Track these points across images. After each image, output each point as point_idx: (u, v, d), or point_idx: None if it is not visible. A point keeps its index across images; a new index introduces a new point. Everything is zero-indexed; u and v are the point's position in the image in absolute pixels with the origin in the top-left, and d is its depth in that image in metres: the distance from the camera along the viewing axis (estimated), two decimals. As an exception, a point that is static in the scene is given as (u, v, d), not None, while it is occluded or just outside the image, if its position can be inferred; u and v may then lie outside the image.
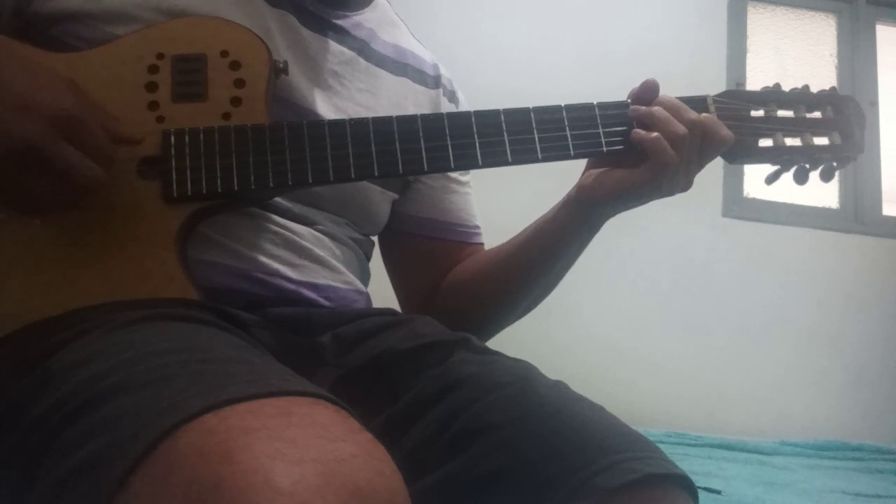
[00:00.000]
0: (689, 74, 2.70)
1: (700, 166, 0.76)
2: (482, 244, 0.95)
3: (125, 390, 0.47)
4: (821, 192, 2.85)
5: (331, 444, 0.41)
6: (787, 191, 2.80)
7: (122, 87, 0.67)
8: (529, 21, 2.70)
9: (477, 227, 0.95)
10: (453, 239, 0.92)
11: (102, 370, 0.50)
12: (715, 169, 2.73)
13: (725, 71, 2.77)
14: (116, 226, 0.65)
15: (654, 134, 0.73)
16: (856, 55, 2.90)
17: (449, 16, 2.59)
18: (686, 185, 0.76)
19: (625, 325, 2.53)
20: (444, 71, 0.94)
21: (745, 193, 2.78)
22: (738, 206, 2.74)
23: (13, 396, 0.55)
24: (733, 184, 2.74)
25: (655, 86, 0.77)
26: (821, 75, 2.91)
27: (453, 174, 0.93)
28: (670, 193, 0.75)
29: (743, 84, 2.78)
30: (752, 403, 2.56)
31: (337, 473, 0.39)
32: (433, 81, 0.91)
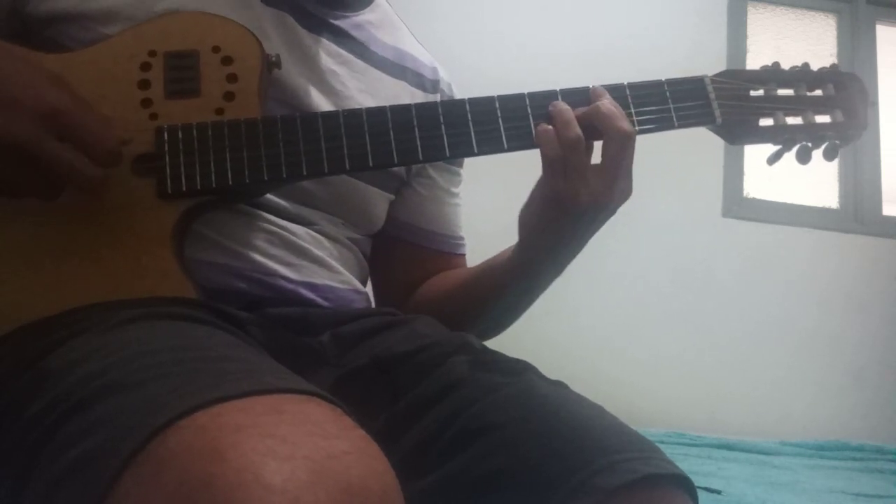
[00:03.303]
0: (689, 74, 2.70)
1: (616, 165, 0.69)
2: (464, 255, 0.95)
3: (119, 389, 0.47)
4: (821, 192, 2.85)
5: (323, 441, 0.41)
6: (787, 191, 2.80)
7: (114, 85, 0.67)
8: (529, 22, 2.70)
9: (461, 238, 0.95)
10: (435, 247, 0.92)
11: (97, 369, 0.50)
12: (715, 169, 2.75)
13: (725, 71, 2.76)
14: (112, 223, 0.65)
15: (547, 127, 0.69)
16: (856, 55, 2.90)
17: (448, 14, 2.59)
18: (598, 196, 0.69)
19: (625, 325, 2.53)
20: (443, 74, 0.93)
21: (745, 193, 2.78)
22: (738, 206, 2.74)
23: (10, 397, 0.55)
24: (733, 184, 2.74)
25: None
26: (821, 75, 2.91)
27: (446, 185, 0.93)
28: (575, 200, 0.69)
29: (743, 84, 2.78)
30: (753, 403, 2.55)
31: (329, 470, 0.39)
32: (431, 85, 0.91)
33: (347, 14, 0.84)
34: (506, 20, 2.69)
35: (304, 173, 0.68)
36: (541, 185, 0.72)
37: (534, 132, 0.71)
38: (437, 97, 0.91)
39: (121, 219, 0.65)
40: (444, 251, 0.93)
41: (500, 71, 2.50)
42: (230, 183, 0.66)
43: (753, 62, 2.83)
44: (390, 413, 0.67)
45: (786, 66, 0.80)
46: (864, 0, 2.95)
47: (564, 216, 0.71)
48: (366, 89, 0.82)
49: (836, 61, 2.96)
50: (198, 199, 0.67)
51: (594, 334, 2.49)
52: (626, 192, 0.71)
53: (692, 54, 2.69)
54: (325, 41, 0.80)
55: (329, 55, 0.80)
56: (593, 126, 0.70)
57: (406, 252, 0.91)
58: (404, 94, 0.87)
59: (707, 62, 2.74)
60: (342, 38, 0.82)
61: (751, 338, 2.62)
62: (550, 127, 0.70)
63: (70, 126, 0.59)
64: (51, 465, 0.46)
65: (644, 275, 2.60)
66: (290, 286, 0.74)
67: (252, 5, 0.76)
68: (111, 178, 0.64)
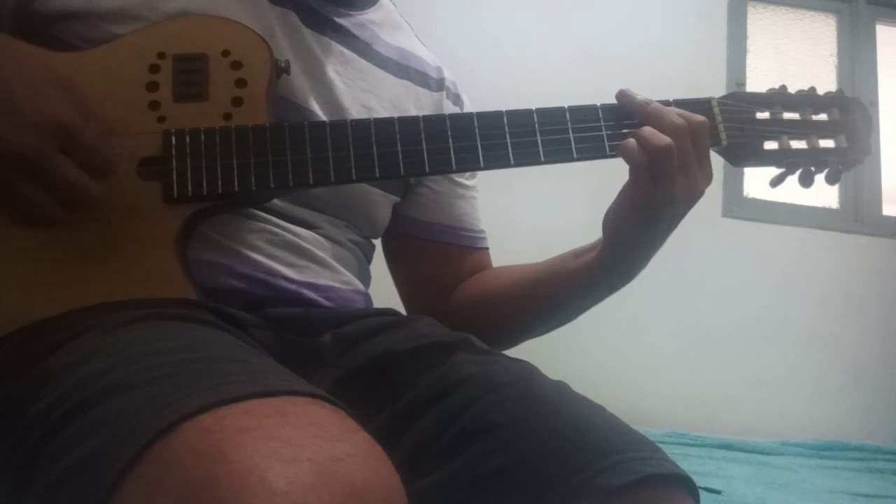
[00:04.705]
0: (689, 74, 2.70)
1: (697, 165, 0.72)
2: (487, 249, 0.95)
3: (121, 390, 0.47)
4: (821, 192, 2.85)
5: (327, 444, 0.41)
6: (787, 191, 2.80)
7: (123, 86, 0.67)
8: (529, 21, 2.70)
9: (482, 231, 0.95)
10: (459, 244, 0.92)
11: (99, 370, 0.50)
12: (715, 169, 2.74)
13: (725, 71, 2.76)
14: (117, 226, 0.65)
15: (628, 140, 0.71)
16: (856, 55, 2.90)
17: (449, 16, 2.59)
18: (689, 190, 0.71)
19: (625, 325, 2.53)
20: (447, 74, 0.93)
21: (745, 193, 2.78)
22: (738, 206, 2.73)
23: (12, 396, 0.55)
24: (733, 184, 2.74)
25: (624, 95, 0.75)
26: (821, 75, 2.91)
27: (460, 179, 0.92)
28: (671, 202, 0.71)
29: (743, 84, 2.77)
30: (753, 403, 2.55)
31: (333, 473, 0.39)
32: (436, 84, 0.91)
33: (352, 13, 0.84)
34: (505, 21, 2.69)
35: (311, 182, 0.68)
36: (630, 192, 0.72)
37: (541, 150, 0.71)
38: (443, 95, 0.91)
39: (125, 221, 0.65)
40: (469, 246, 0.92)
41: (499, 73, 2.50)
42: (236, 189, 0.66)
43: (753, 62, 2.84)
44: (391, 413, 0.67)
45: (788, 86, 0.80)
46: (864, 0, 2.95)
47: (657, 217, 0.72)
48: (369, 89, 0.82)
49: (836, 62, 2.97)
50: (203, 205, 0.67)
51: (594, 334, 2.48)
52: (709, 177, 0.73)
53: (692, 54, 2.69)
54: (329, 40, 0.80)
55: (333, 54, 0.80)
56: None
57: (430, 252, 0.91)
58: (408, 94, 0.87)
59: (707, 62, 2.76)
60: (346, 37, 0.82)
61: (751, 338, 2.62)
62: (631, 140, 0.70)
63: (76, 141, 0.59)
64: (52, 466, 0.46)
65: (644, 274, 2.60)
66: (292, 287, 0.74)
67: (258, 4, 0.76)
68: (116, 181, 0.64)
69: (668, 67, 2.58)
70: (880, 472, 2.08)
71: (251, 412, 0.42)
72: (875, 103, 2.81)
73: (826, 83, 2.98)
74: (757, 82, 2.82)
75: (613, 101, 0.75)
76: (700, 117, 0.72)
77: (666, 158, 0.69)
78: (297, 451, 0.39)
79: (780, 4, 2.94)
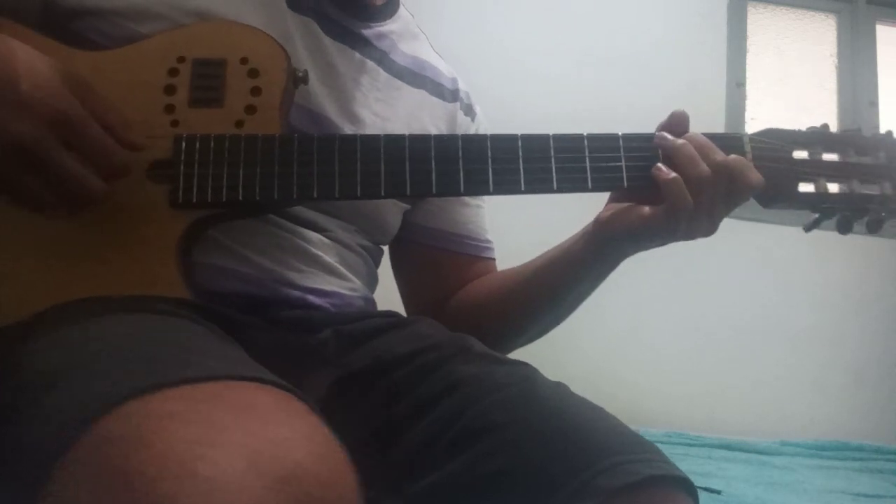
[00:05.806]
0: (690, 75, 2.70)
1: (726, 211, 0.71)
2: (493, 259, 0.94)
3: (67, 380, 0.47)
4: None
5: (262, 428, 0.40)
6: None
7: (141, 88, 0.67)
8: (531, 23, 2.70)
9: (489, 241, 0.94)
10: (463, 252, 0.91)
11: (50, 363, 0.50)
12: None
13: (725, 71, 2.76)
14: (123, 226, 0.65)
15: (673, 175, 0.67)
16: (856, 55, 2.90)
17: (452, 19, 2.59)
18: (709, 230, 0.70)
19: (625, 325, 2.53)
20: (461, 85, 0.93)
21: (745, 193, 2.78)
22: (738, 206, 2.73)
23: None
24: (733, 184, 2.74)
25: (685, 117, 0.71)
26: (821, 75, 2.91)
27: None
28: (690, 237, 0.70)
29: (743, 84, 2.77)
30: (752, 403, 2.55)
31: (267, 457, 0.38)
32: (451, 95, 0.91)
33: (371, 24, 0.84)
34: (508, 24, 2.69)
35: (315, 195, 0.67)
36: (651, 222, 0.70)
37: (555, 178, 0.68)
38: (456, 106, 0.91)
39: (131, 222, 0.65)
40: (473, 255, 0.92)
41: (502, 75, 2.50)
42: (240, 199, 0.66)
43: (753, 62, 2.84)
44: (392, 413, 0.67)
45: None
46: (864, 0, 2.95)
47: (668, 240, 0.72)
48: (384, 98, 0.82)
49: (836, 62, 2.96)
50: (208, 212, 0.66)
51: (594, 334, 2.48)
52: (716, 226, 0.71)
53: (692, 54, 2.69)
54: (348, 49, 0.81)
55: (351, 63, 0.80)
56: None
57: (434, 259, 0.91)
58: (423, 104, 0.87)
59: (707, 62, 2.76)
60: (365, 46, 0.83)
61: (751, 337, 2.62)
62: (675, 174, 0.67)
63: (78, 135, 0.59)
64: None
65: (644, 274, 2.59)
66: (298, 293, 0.74)
67: (280, 10, 0.76)
68: (126, 182, 0.64)
69: (669, 67, 2.58)
70: (880, 472, 2.08)
71: (184, 397, 0.42)
72: (875, 103, 2.81)
73: (826, 83, 2.98)
74: (757, 82, 2.82)
75: (614, 99, 0.75)
76: (705, 172, 0.69)
77: (709, 185, 0.68)
78: (226, 436, 0.38)
79: (780, 4, 2.94)
